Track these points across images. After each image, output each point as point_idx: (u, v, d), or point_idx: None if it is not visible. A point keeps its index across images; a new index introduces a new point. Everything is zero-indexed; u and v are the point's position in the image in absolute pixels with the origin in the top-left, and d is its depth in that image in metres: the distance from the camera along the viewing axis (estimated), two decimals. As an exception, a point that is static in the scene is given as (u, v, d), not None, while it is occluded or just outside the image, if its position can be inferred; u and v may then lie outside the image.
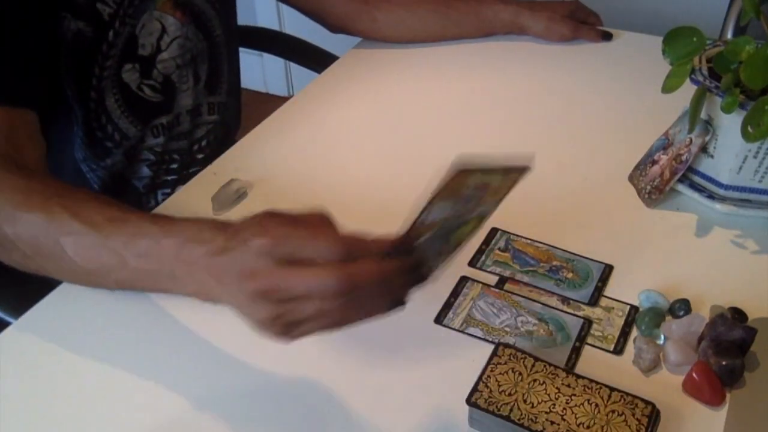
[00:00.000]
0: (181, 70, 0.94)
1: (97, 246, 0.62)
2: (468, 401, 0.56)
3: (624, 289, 0.71)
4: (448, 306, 0.69)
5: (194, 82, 0.98)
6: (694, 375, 0.60)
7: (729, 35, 1.10)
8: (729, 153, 0.77)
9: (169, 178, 1.01)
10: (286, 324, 0.52)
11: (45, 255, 0.64)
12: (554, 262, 0.74)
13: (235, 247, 0.53)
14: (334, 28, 1.15)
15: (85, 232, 0.62)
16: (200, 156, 1.03)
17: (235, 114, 1.11)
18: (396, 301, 0.53)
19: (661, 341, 0.65)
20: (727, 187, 0.79)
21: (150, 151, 0.97)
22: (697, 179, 0.82)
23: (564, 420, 0.55)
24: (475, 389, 0.57)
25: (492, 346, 0.61)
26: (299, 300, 0.51)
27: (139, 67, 0.89)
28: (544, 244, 0.76)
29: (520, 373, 0.58)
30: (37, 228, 0.63)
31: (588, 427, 0.54)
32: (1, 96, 0.73)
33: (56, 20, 0.79)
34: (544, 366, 0.59)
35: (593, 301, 0.69)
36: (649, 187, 0.82)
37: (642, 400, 0.56)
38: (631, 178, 0.86)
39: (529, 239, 0.77)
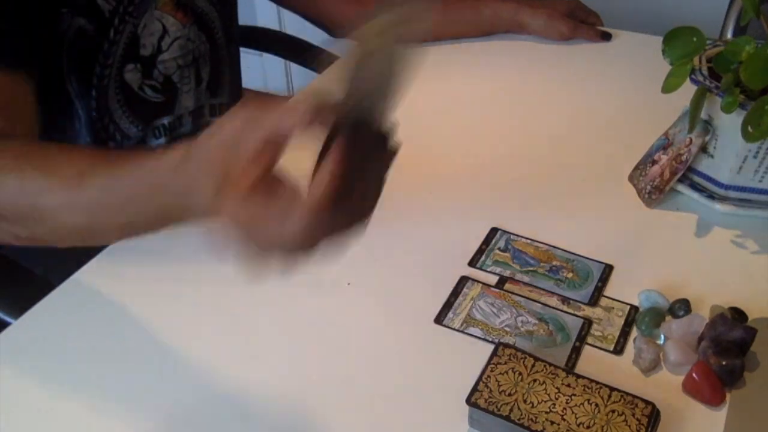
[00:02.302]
0: (182, 71, 0.94)
1: (74, 200, 0.59)
2: (468, 401, 0.56)
3: (624, 289, 0.71)
4: (448, 306, 0.69)
5: (196, 83, 0.97)
6: (694, 375, 0.60)
7: (729, 35, 1.10)
8: (729, 153, 0.77)
9: None
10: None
11: (28, 219, 0.61)
12: (554, 262, 0.74)
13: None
14: (335, 33, 1.15)
15: (57, 188, 0.59)
16: None
17: None
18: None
19: (661, 341, 0.65)
20: (727, 187, 0.79)
21: None
22: (697, 179, 0.82)
23: (564, 420, 0.55)
24: (475, 389, 0.57)
25: (492, 346, 0.61)
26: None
27: (140, 67, 0.89)
28: (544, 244, 0.76)
29: (520, 373, 0.58)
30: (12, 191, 0.60)
31: (588, 427, 0.54)
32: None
33: (56, 15, 0.78)
34: (544, 366, 0.59)
35: (593, 301, 0.69)
36: (649, 187, 0.82)
37: (642, 400, 0.56)
38: (631, 178, 0.86)
39: (529, 239, 0.77)
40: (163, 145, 0.53)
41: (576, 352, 0.65)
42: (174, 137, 0.98)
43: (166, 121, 0.96)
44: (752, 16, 0.72)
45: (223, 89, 1.04)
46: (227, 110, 1.12)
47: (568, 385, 0.57)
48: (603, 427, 0.55)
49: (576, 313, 0.68)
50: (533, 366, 0.59)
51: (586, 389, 0.57)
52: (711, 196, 0.80)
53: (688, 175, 0.82)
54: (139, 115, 0.92)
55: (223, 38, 1.00)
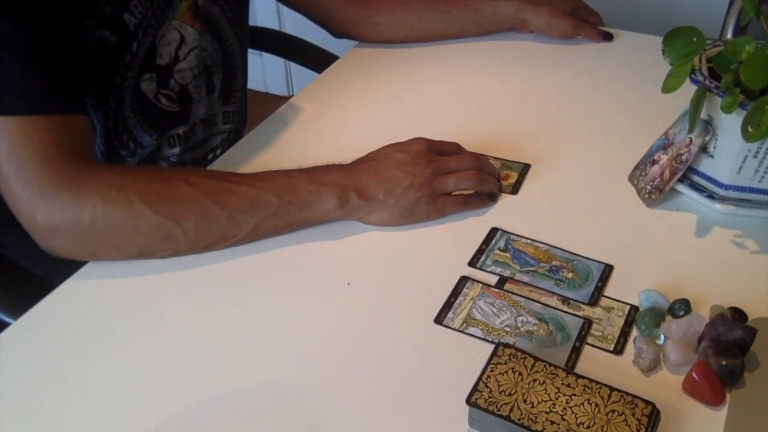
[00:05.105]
0: (196, 80, 0.93)
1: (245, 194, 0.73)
2: (468, 401, 0.56)
3: (624, 289, 0.71)
4: (448, 306, 0.69)
5: (208, 91, 0.97)
6: (694, 375, 0.60)
7: (729, 35, 1.10)
8: (729, 153, 0.77)
9: None
10: (437, 178, 0.79)
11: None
12: (554, 262, 0.74)
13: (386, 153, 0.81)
14: (338, 34, 1.16)
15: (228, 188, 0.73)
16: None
17: (244, 119, 1.11)
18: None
19: (661, 341, 0.65)
20: (727, 187, 0.79)
21: (165, 161, 0.96)
22: (697, 179, 0.82)
23: (564, 420, 0.55)
24: (475, 389, 0.57)
25: (492, 346, 0.61)
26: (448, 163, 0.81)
27: (156, 76, 0.88)
28: (544, 244, 0.76)
29: (520, 373, 0.58)
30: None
31: (588, 427, 0.54)
32: (76, 104, 0.74)
33: (79, 27, 0.77)
34: (544, 366, 0.59)
35: (593, 301, 0.69)
36: (649, 187, 0.82)
37: (642, 400, 0.56)
38: (631, 178, 0.86)
39: (529, 239, 0.77)
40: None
41: (576, 352, 0.65)
42: (188, 146, 0.97)
43: (180, 130, 0.95)
44: (752, 16, 0.72)
45: (235, 96, 1.03)
46: (238, 117, 1.15)
47: (568, 385, 0.57)
48: (603, 427, 0.55)
49: (576, 313, 0.68)
50: (533, 366, 0.59)
51: (586, 389, 0.57)
52: (711, 196, 0.80)
53: (688, 175, 0.82)
54: (154, 124, 0.91)
55: (237, 45, 0.99)
